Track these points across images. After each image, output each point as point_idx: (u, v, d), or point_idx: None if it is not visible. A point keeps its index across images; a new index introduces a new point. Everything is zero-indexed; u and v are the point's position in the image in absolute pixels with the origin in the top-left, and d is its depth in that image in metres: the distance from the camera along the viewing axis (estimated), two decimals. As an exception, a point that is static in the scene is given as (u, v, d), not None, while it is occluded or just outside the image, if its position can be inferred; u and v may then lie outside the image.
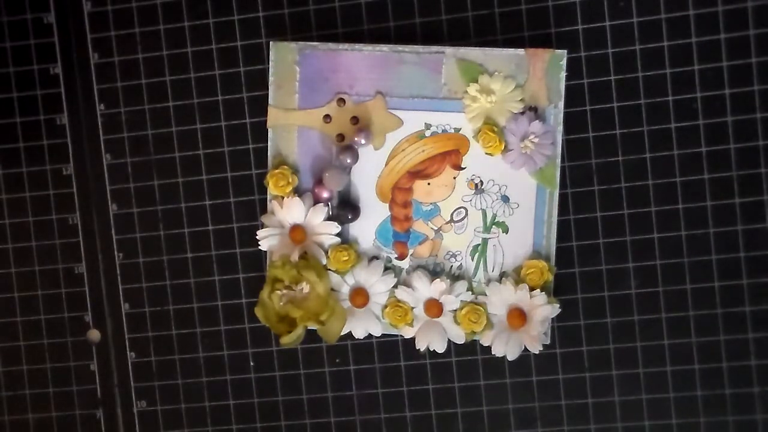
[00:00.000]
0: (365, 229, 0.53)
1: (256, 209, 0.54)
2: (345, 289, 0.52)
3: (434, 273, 0.52)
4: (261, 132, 0.53)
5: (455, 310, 0.52)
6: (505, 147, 0.51)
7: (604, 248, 0.52)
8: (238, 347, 0.54)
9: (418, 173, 0.52)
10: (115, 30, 0.54)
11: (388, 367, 0.54)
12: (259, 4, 0.53)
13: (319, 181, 0.52)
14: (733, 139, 0.52)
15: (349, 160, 0.52)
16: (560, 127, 0.51)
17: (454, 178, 0.52)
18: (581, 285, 0.53)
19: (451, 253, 0.52)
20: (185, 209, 0.54)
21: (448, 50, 0.51)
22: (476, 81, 0.51)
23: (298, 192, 0.52)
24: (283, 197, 0.52)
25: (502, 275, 0.52)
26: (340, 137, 0.52)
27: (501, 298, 0.51)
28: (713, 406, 0.53)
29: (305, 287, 0.51)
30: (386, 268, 0.52)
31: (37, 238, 0.55)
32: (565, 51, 0.50)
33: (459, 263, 0.52)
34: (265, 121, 0.53)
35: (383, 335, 0.53)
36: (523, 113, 0.51)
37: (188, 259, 0.54)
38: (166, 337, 0.55)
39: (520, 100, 0.51)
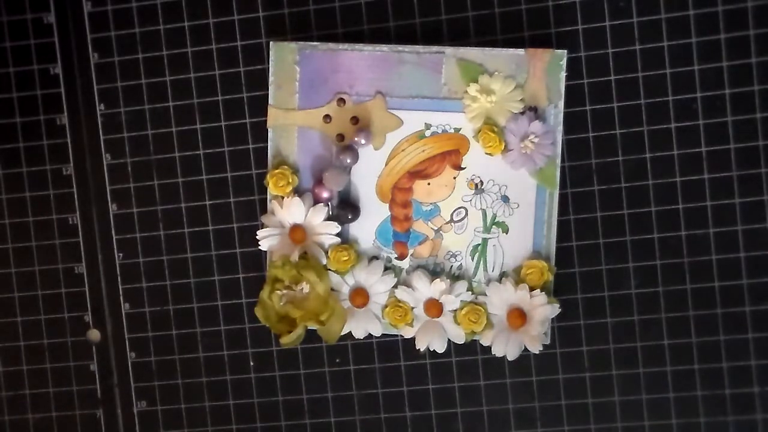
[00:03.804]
0: (365, 229, 0.53)
1: (256, 209, 0.54)
2: (345, 289, 0.52)
3: (434, 273, 0.52)
4: (261, 132, 0.53)
5: (455, 310, 0.52)
6: (505, 147, 0.51)
7: (604, 248, 0.52)
8: (238, 347, 0.54)
9: (418, 173, 0.52)
10: (115, 30, 0.54)
11: (388, 367, 0.54)
12: (259, 4, 0.53)
13: (319, 181, 0.52)
14: (733, 139, 0.52)
15: (349, 160, 0.51)
16: (560, 127, 0.51)
17: (454, 178, 0.52)
18: (581, 285, 0.53)
19: (451, 253, 0.52)
20: (185, 209, 0.54)
21: (448, 50, 0.51)
22: (476, 81, 0.51)
23: (298, 192, 0.52)
24: (283, 197, 0.52)
25: (502, 275, 0.52)
26: (340, 137, 0.52)
27: (501, 298, 0.51)
28: (713, 406, 0.53)
29: (305, 287, 0.51)
30: (386, 268, 0.52)
31: (37, 238, 0.55)
32: (565, 51, 0.50)
33: (459, 263, 0.52)
34: (265, 121, 0.53)
35: (383, 335, 0.53)
36: (523, 113, 0.51)
37: (188, 259, 0.54)
38: (166, 337, 0.55)
39: (520, 100, 0.51)
